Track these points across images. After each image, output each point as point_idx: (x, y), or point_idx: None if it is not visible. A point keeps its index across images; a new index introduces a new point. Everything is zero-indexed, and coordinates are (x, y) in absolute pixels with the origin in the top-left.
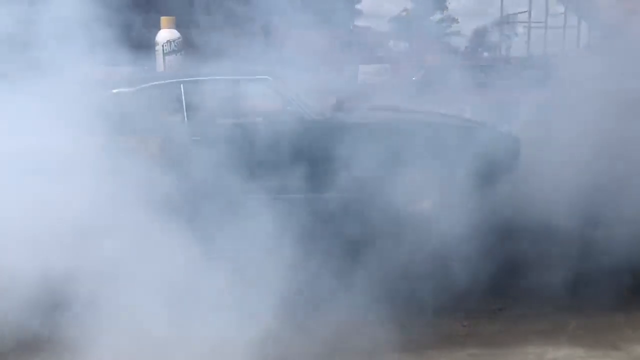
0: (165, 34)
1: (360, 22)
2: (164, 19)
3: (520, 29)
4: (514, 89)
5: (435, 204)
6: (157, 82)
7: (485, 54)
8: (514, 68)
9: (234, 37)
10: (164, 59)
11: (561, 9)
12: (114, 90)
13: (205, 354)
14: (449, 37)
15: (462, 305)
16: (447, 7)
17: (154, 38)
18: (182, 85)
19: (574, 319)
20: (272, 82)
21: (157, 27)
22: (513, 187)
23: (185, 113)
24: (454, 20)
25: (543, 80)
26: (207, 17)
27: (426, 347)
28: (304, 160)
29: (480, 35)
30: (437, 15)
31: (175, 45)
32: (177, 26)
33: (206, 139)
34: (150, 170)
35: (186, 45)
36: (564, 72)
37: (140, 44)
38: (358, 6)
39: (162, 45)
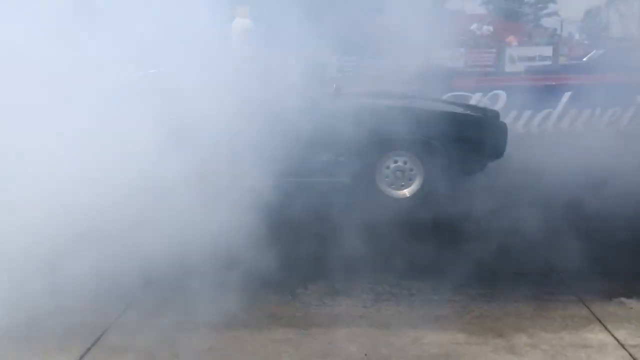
0: (239, 23)
1: (452, 5)
2: (238, 9)
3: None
4: None
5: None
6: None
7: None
8: None
9: (308, 22)
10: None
11: None
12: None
13: None
14: (544, 18)
15: (371, 286)
16: None
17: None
18: None
19: (479, 306)
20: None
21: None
22: None
23: None
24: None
25: None
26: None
27: (315, 324)
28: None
29: (593, 15)
30: None
31: (248, 35)
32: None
33: None
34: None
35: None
36: None
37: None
38: None
39: (237, 35)
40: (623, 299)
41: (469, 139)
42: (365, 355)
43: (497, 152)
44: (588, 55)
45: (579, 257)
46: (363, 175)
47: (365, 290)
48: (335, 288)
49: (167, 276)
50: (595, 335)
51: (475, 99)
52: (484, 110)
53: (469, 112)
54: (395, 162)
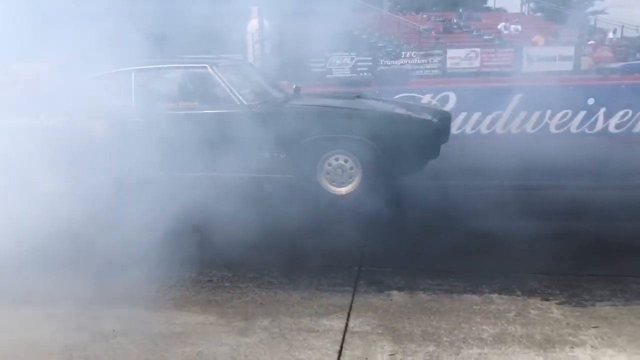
0: (255, 24)
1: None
2: (254, 9)
3: None
4: None
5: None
6: (115, 70)
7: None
8: None
9: (316, 24)
10: (253, 47)
11: None
12: (95, 75)
13: None
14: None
15: (181, 274)
16: None
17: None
18: (133, 74)
19: (257, 293)
20: (210, 71)
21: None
22: None
23: (134, 97)
24: None
25: None
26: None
27: (97, 304)
28: (228, 141)
29: None
30: None
31: (263, 34)
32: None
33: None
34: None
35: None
36: None
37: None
38: None
39: (252, 34)
40: (394, 292)
41: (403, 139)
42: (114, 330)
43: (432, 153)
44: None
45: (402, 254)
46: (305, 172)
47: (172, 276)
48: (148, 274)
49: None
50: (331, 322)
51: None
52: (433, 111)
53: (408, 113)
54: (336, 160)
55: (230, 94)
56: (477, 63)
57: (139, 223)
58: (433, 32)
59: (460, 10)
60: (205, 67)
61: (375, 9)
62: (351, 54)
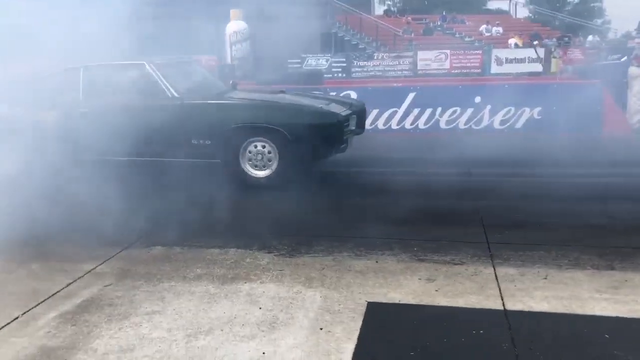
0: (233, 26)
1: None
2: (232, 12)
3: None
4: None
5: None
6: (66, 68)
7: None
8: None
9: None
10: (230, 48)
11: None
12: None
13: None
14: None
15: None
16: None
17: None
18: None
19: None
20: (147, 67)
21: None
22: None
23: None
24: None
25: None
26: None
27: None
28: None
29: None
30: None
31: (241, 36)
32: (245, 18)
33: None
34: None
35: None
36: None
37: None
38: None
39: (229, 36)
40: (158, 247)
41: (310, 129)
42: None
43: (338, 142)
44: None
45: (212, 222)
46: (229, 157)
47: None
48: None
49: None
50: (83, 266)
51: None
52: (349, 104)
53: (319, 106)
54: (256, 147)
55: (164, 87)
56: (447, 64)
57: None
58: (412, 34)
59: (444, 13)
60: (143, 65)
61: (356, 12)
62: (326, 55)
